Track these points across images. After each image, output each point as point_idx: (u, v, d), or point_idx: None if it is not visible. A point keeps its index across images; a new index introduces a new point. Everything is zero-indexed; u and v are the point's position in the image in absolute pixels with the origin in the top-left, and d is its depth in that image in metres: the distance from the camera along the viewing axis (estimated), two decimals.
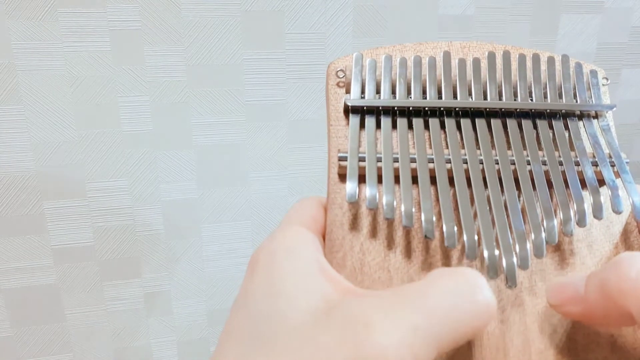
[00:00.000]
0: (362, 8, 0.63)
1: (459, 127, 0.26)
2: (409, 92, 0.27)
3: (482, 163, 0.25)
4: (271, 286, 0.21)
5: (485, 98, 0.27)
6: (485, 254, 0.22)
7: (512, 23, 0.67)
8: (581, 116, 0.28)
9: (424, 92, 0.27)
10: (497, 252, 0.22)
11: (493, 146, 0.26)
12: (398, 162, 0.25)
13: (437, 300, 0.18)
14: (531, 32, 0.68)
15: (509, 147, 0.26)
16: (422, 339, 0.17)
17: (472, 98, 0.27)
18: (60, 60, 0.57)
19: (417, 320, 0.18)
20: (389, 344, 0.17)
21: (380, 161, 0.25)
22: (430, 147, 0.26)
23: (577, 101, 0.28)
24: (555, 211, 0.24)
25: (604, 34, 0.70)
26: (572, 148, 0.26)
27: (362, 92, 0.27)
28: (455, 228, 0.23)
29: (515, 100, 0.27)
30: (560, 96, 0.28)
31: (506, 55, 0.28)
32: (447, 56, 0.28)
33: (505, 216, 0.23)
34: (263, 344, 0.19)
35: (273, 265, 0.21)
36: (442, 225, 0.23)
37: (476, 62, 0.28)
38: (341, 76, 0.28)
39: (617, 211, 0.24)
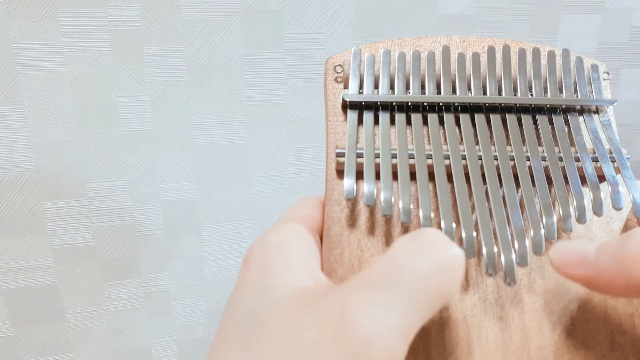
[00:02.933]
0: (362, 8, 0.63)
1: (457, 123, 0.26)
2: (407, 87, 0.27)
3: (481, 159, 0.25)
4: (261, 282, 0.21)
5: (484, 93, 0.27)
6: (484, 251, 0.22)
7: (512, 23, 0.67)
8: (582, 111, 0.27)
9: (423, 87, 0.27)
10: (495, 249, 0.22)
11: (492, 142, 0.26)
12: (396, 158, 0.25)
13: (406, 272, 0.18)
14: (531, 32, 0.68)
15: (509, 143, 0.26)
16: (401, 315, 0.17)
17: (471, 93, 0.27)
18: (60, 60, 0.57)
19: (391, 300, 0.18)
20: (370, 331, 0.17)
21: (379, 157, 0.25)
22: (429, 143, 0.26)
23: (577, 96, 0.27)
24: (554, 207, 0.24)
25: (604, 34, 0.70)
26: (572, 143, 0.26)
27: (361, 87, 0.27)
28: (454, 225, 0.23)
29: (515, 95, 0.27)
30: (561, 91, 0.28)
31: (506, 50, 0.28)
32: (446, 51, 0.27)
33: (504, 213, 0.23)
34: (251, 340, 0.19)
35: (264, 262, 0.21)
36: (439, 222, 0.23)
37: (475, 57, 0.27)
38: (339, 71, 0.27)
39: (617, 207, 0.24)
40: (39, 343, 0.67)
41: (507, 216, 0.23)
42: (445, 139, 0.26)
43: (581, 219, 0.23)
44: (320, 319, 0.18)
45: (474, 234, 0.23)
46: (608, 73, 0.29)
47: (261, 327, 0.19)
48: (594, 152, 0.26)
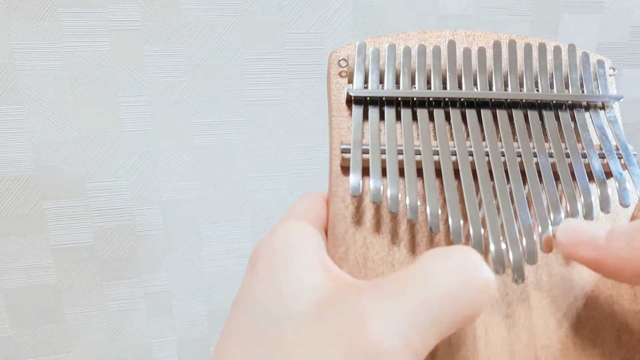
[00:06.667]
0: (362, 8, 0.63)
1: (464, 118, 0.26)
2: (413, 82, 0.27)
3: (488, 155, 0.25)
4: (272, 283, 0.20)
5: (490, 88, 0.27)
6: (492, 248, 0.22)
7: (512, 23, 0.67)
8: (588, 107, 0.27)
9: (429, 82, 0.27)
10: (503, 246, 0.22)
11: (499, 138, 0.25)
12: (402, 154, 0.24)
13: (431, 285, 0.18)
14: (531, 32, 0.68)
15: (515, 139, 0.25)
16: (417, 327, 0.17)
17: (477, 88, 0.27)
18: (60, 60, 0.57)
19: (410, 309, 0.17)
20: (383, 336, 0.17)
21: (384, 153, 0.24)
22: (435, 139, 0.25)
23: (583, 92, 0.27)
24: (561, 204, 0.24)
25: (604, 34, 0.70)
26: (578, 140, 0.26)
27: (365, 82, 0.26)
28: (462, 222, 0.23)
29: (521, 90, 0.27)
30: (567, 86, 0.27)
31: (512, 45, 0.27)
32: (452, 45, 0.27)
33: (512, 209, 0.23)
34: (264, 341, 0.19)
35: (274, 261, 0.21)
36: (447, 219, 0.23)
37: (481, 52, 0.27)
38: (343, 65, 0.27)
39: (624, 204, 0.24)
40: (39, 343, 0.67)
41: (515, 213, 0.23)
42: (452, 135, 0.25)
43: (588, 216, 0.23)
44: (337, 323, 0.17)
45: (482, 231, 0.22)
46: (614, 69, 0.28)
47: (278, 329, 0.19)
48: (601, 149, 0.26)
